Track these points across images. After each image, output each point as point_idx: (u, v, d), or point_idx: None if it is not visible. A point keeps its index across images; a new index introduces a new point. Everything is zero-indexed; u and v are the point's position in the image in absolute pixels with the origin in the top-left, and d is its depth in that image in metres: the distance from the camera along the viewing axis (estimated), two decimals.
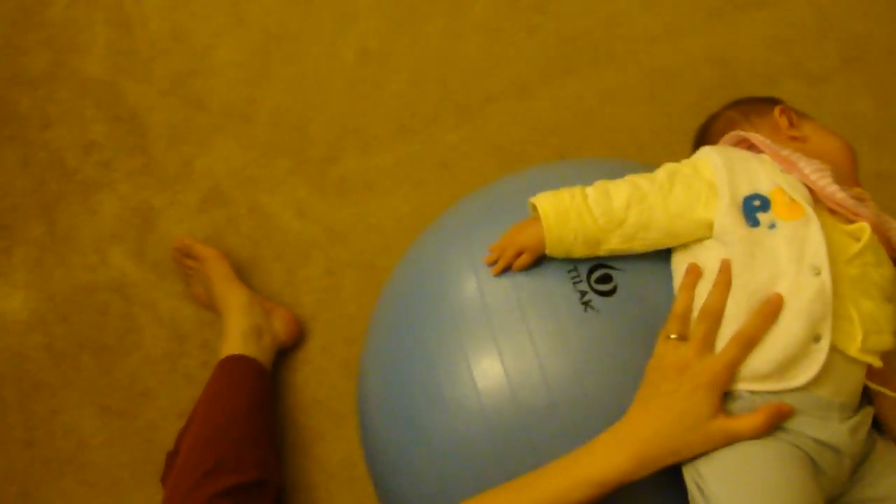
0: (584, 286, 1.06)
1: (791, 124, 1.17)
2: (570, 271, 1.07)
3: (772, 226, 0.99)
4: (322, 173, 1.85)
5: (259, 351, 1.64)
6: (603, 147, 1.83)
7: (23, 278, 1.79)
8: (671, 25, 1.92)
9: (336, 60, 1.92)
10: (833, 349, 0.94)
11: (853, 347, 0.95)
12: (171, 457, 1.56)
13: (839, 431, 0.96)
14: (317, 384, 1.71)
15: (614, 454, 0.93)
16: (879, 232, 1.02)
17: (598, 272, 1.07)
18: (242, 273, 1.77)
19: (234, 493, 1.42)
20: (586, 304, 1.05)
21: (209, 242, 1.79)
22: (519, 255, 1.07)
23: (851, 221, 1.02)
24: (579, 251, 1.05)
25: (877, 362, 0.97)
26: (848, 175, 1.11)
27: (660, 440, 0.93)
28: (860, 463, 1.02)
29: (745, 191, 1.02)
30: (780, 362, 0.94)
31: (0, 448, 1.71)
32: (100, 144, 1.86)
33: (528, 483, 0.95)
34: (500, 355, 1.04)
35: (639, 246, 1.05)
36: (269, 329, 1.68)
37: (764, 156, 1.08)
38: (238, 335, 1.64)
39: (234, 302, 1.68)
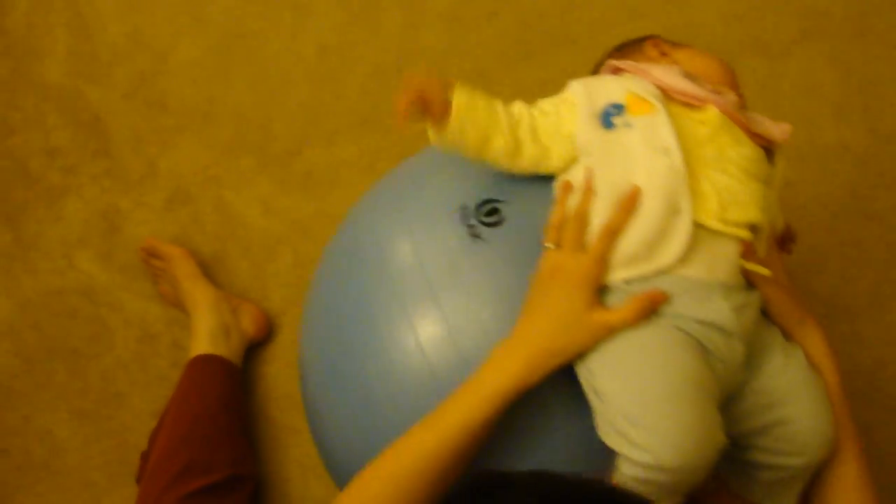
0: (472, 220, 1.09)
1: (662, 54, 1.20)
2: (458, 209, 1.10)
3: (627, 125, 1.04)
4: (286, 169, 1.85)
5: (228, 349, 1.65)
6: None
7: None
8: (629, 6, 1.93)
9: (296, 56, 1.92)
10: (697, 225, 0.98)
11: (711, 218, 0.99)
12: (145, 457, 1.57)
13: (721, 310, 0.98)
14: (288, 378, 1.71)
15: (506, 364, 0.97)
16: (737, 120, 1.07)
17: (485, 206, 1.10)
18: (210, 271, 1.78)
19: (207, 491, 1.43)
20: (475, 236, 1.08)
21: (176, 242, 1.79)
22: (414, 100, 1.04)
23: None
24: (471, 139, 1.06)
25: (744, 234, 1.01)
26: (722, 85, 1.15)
27: (544, 341, 0.97)
28: (760, 352, 1.05)
29: (602, 103, 1.06)
30: (647, 241, 0.98)
31: None
32: (63, 150, 1.86)
33: (437, 414, 0.97)
34: (403, 307, 1.09)
35: (524, 158, 1.09)
36: (238, 326, 1.68)
37: (624, 74, 1.14)
38: (206, 334, 1.65)
39: (201, 301, 1.69)
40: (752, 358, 1.03)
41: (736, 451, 1.04)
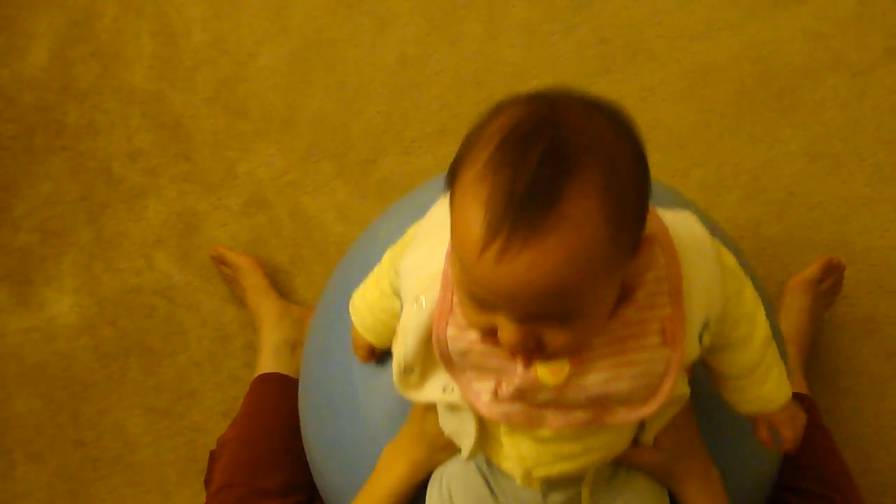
0: None
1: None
2: None
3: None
4: (363, 176, 1.86)
5: (292, 365, 1.65)
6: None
7: (72, 283, 1.84)
8: (709, 22, 1.92)
9: (376, 65, 1.94)
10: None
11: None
12: (214, 458, 1.58)
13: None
14: None
15: (394, 466, 1.07)
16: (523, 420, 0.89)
17: None
18: (285, 276, 1.80)
19: None
20: None
21: (252, 246, 1.82)
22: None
23: None
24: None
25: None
26: None
27: (417, 451, 1.06)
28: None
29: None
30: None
31: (51, 447, 1.76)
32: (146, 152, 1.90)
33: None
34: None
35: None
36: (303, 339, 1.69)
37: None
38: (270, 351, 1.66)
39: (266, 315, 1.70)
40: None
41: None
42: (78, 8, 1.96)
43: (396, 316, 0.98)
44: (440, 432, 1.00)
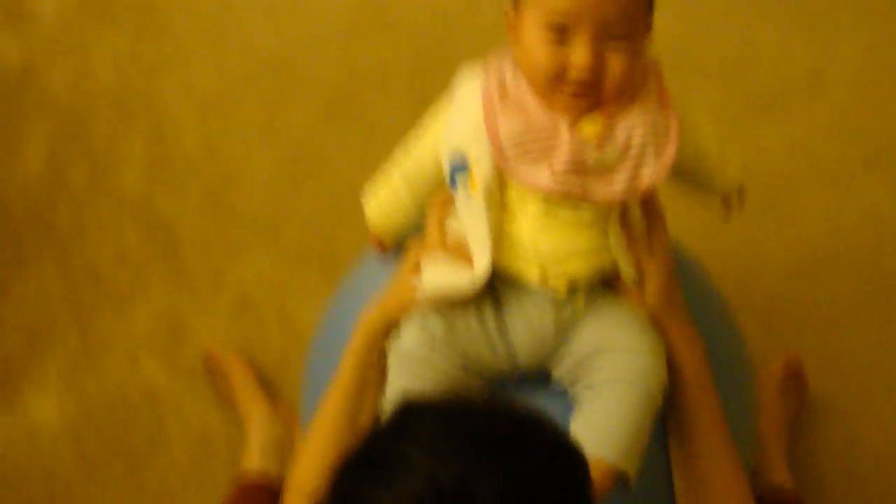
0: None
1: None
2: None
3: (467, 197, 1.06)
4: None
5: (280, 464, 1.64)
6: None
7: (56, 385, 1.84)
8: None
9: (365, 173, 1.95)
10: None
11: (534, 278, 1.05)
12: None
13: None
14: None
15: (365, 317, 1.15)
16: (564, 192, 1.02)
17: None
18: (272, 379, 1.81)
19: None
20: None
21: (238, 350, 1.82)
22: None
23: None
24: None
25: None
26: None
27: (385, 299, 1.15)
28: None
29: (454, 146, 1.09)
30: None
31: None
32: (134, 254, 1.91)
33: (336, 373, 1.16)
34: None
35: None
36: (292, 440, 1.68)
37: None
38: (257, 450, 1.66)
39: (255, 415, 1.70)
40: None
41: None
42: (72, 112, 2.00)
43: (404, 212, 1.24)
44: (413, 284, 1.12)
